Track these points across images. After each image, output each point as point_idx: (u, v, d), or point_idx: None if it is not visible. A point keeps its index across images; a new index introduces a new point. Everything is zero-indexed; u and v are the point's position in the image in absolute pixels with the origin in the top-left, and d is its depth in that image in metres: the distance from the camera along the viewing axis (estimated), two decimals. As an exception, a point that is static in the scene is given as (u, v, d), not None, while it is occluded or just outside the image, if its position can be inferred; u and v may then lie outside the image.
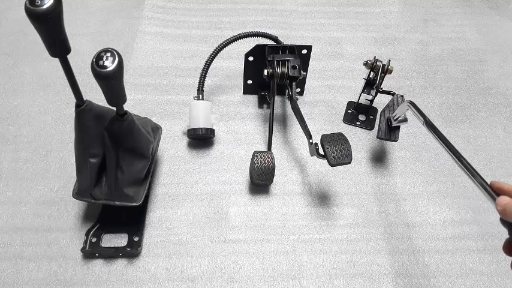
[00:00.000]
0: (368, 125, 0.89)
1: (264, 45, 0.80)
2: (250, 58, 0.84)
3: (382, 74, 0.80)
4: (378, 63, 0.80)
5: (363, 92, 0.84)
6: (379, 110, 0.90)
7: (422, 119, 0.65)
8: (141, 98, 0.91)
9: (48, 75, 0.95)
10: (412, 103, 0.70)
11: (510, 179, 0.82)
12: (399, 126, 0.80)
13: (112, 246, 0.69)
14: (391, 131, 0.79)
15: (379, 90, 0.82)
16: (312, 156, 0.71)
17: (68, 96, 0.86)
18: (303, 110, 0.75)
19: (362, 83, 0.84)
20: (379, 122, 0.80)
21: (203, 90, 0.83)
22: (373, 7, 1.20)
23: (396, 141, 0.79)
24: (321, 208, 0.76)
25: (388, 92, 0.82)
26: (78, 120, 0.60)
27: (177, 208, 0.75)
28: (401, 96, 0.81)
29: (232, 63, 0.99)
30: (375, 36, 1.10)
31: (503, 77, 1.02)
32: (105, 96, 0.55)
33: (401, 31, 1.13)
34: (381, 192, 0.79)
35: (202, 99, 0.83)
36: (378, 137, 0.79)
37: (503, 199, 0.48)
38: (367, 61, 0.80)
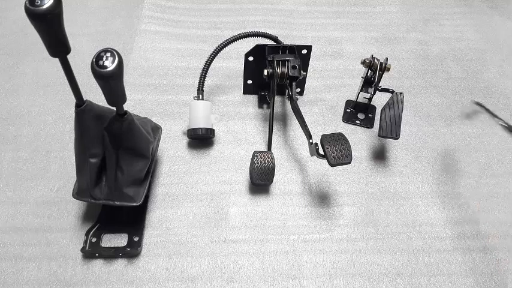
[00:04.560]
0: (367, 123, 0.89)
1: (264, 45, 0.80)
2: (250, 58, 0.84)
3: (380, 72, 0.80)
4: (376, 61, 0.80)
5: (361, 90, 0.84)
6: (378, 108, 0.90)
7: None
8: (141, 98, 0.91)
9: (48, 75, 0.95)
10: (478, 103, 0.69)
11: (510, 178, 0.82)
12: (400, 124, 0.79)
13: (112, 246, 0.69)
14: (392, 129, 0.79)
15: (378, 88, 0.82)
16: (312, 156, 0.71)
17: (68, 96, 0.86)
18: (302, 110, 0.75)
19: (360, 80, 0.84)
20: (380, 121, 0.80)
21: (203, 90, 0.83)
22: (373, 7, 1.20)
23: (398, 138, 0.79)
24: (321, 208, 0.76)
25: (387, 90, 0.83)
26: (78, 120, 0.60)
27: (177, 208, 0.75)
28: (401, 93, 0.81)
29: (232, 63, 0.99)
30: (374, 36, 1.10)
31: (503, 76, 1.02)
32: (105, 96, 0.55)
33: (401, 31, 1.13)
34: (381, 191, 0.79)
35: (202, 99, 0.83)
36: (379, 136, 0.79)
37: None
38: (364, 60, 0.80)
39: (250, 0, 1.17)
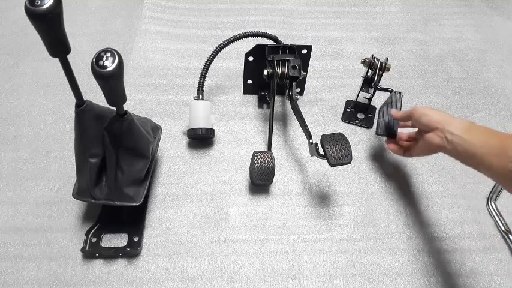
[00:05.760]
0: (367, 123, 0.89)
1: (264, 45, 0.80)
2: (250, 58, 0.84)
3: (380, 72, 0.80)
4: (376, 61, 0.80)
5: (361, 90, 0.85)
6: (377, 108, 0.90)
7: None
8: (141, 98, 0.91)
9: (48, 75, 0.95)
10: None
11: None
12: (398, 122, 0.79)
13: (112, 246, 0.69)
14: (389, 127, 0.79)
15: (378, 88, 0.82)
16: (312, 156, 0.71)
17: (68, 96, 0.86)
18: (302, 110, 0.75)
19: (360, 81, 0.84)
20: (378, 118, 0.80)
21: (203, 90, 0.83)
22: (373, 7, 1.20)
23: (395, 137, 0.79)
24: (321, 208, 0.76)
25: (386, 89, 0.83)
26: (78, 120, 0.60)
27: (177, 208, 0.75)
28: (399, 93, 0.81)
29: (232, 63, 0.99)
30: (374, 36, 1.10)
31: (502, 76, 1.02)
32: (105, 96, 0.55)
33: (401, 31, 1.13)
34: (381, 191, 0.79)
35: (202, 99, 0.83)
36: (376, 134, 0.79)
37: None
38: (364, 59, 0.80)
39: (250, 0, 1.17)
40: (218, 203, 0.76)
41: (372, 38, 1.10)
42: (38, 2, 0.43)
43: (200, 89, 0.83)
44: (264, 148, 0.84)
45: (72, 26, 1.04)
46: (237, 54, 0.98)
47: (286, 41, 0.85)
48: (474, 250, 0.72)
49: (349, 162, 0.66)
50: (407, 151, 0.73)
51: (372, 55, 0.80)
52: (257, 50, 0.81)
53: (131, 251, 0.68)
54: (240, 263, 0.69)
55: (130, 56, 1.00)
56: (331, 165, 0.65)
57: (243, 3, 1.16)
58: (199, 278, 0.67)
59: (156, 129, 0.75)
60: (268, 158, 0.74)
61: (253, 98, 0.93)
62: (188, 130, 0.80)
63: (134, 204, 0.66)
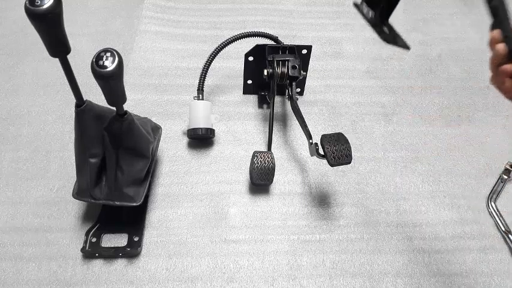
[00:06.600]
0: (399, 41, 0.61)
1: (264, 45, 0.80)
2: (250, 58, 0.84)
3: None
4: None
5: None
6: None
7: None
8: (141, 98, 0.91)
9: (48, 75, 0.95)
10: None
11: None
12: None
13: (112, 246, 0.69)
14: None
15: None
16: (312, 156, 0.71)
17: (68, 96, 0.86)
18: (302, 110, 0.75)
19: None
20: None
21: (203, 90, 0.83)
22: (373, 7, 1.19)
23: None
24: (321, 208, 0.76)
25: None
26: (78, 120, 0.60)
27: (177, 208, 0.75)
28: None
29: (232, 63, 0.99)
30: (374, 36, 1.09)
31: (503, 76, 1.02)
32: (105, 96, 0.55)
33: (401, 31, 1.12)
34: (381, 192, 0.79)
35: (202, 99, 0.83)
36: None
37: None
38: None
39: (250, 0, 1.17)
40: (218, 203, 0.76)
41: (372, 38, 1.10)
42: (38, 2, 0.43)
43: (200, 89, 0.83)
44: (264, 148, 0.84)
45: (72, 26, 1.04)
46: (237, 54, 0.98)
47: (286, 41, 0.85)
48: (474, 250, 0.72)
49: (349, 162, 0.66)
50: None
51: None
52: (257, 50, 0.81)
53: (131, 251, 0.68)
54: (240, 263, 0.69)
55: (130, 56, 1.00)
56: (331, 165, 0.65)
57: (243, 3, 1.16)
58: (199, 278, 0.67)
59: (156, 129, 0.75)
60: (268, 158, 0.74)
61: (253, 98, 0.93)
62: (188, 130, 0.80)
63: (134, 204, 0.66)
